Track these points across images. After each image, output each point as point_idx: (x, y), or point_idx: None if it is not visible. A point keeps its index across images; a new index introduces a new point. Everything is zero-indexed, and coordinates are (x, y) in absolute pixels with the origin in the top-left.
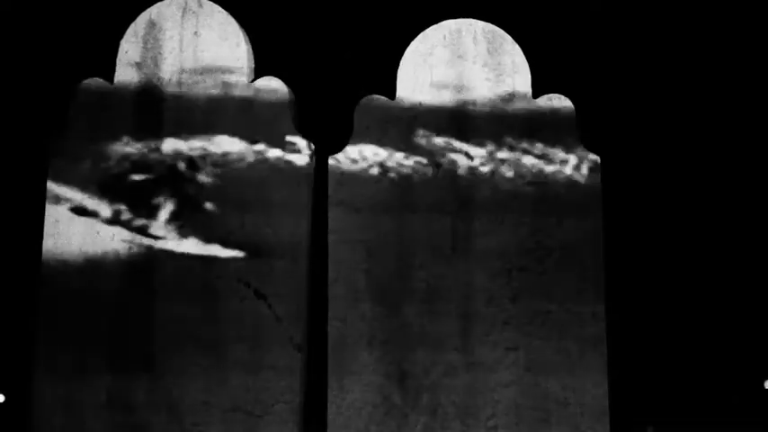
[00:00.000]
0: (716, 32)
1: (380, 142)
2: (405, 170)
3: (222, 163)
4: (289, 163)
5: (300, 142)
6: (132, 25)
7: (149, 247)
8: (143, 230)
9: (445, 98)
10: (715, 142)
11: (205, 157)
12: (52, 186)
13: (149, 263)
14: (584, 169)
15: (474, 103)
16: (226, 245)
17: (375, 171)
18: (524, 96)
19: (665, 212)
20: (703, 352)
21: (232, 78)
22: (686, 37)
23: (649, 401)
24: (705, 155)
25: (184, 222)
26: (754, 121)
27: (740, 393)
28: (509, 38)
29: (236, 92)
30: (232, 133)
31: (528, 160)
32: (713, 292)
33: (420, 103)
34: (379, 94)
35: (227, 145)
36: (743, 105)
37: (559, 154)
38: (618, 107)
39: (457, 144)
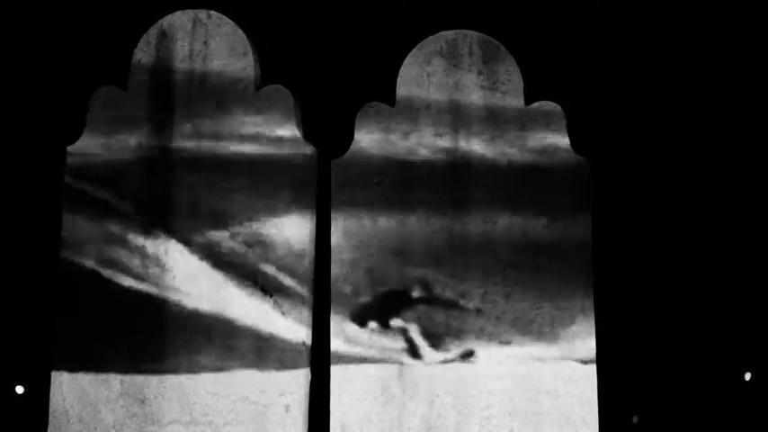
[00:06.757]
0: (712, 34)
1: (381, 146)
2: (404, 173)
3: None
4: (293, 166)
5: (306, 146)
6: (145, 35)
7: (162, 243)
8: (156, 224)
9: (442, 104)
10: (706, 143)
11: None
12: (67, 188)
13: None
14: (575, 171)
15: (470, 109)
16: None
17: (376, 173)
18: (518, 102)
19: (653, 211)
20: (692, 344)
21: (239, 86)
22: (682, 40)
23: (636, 392)
24: (696, 156)
25: (196, 214)
26: (744, 122)
27: (727, 385)
28: (503, 47)
29: (243, 99)
30: (238, 138)
31: (521, 163)
32: (702, 286)
33: (418, 110)
34: (379, 101)
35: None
36: (737, 106)
37: (551, 157)
38: (607, 110)
39: (453, 148)
